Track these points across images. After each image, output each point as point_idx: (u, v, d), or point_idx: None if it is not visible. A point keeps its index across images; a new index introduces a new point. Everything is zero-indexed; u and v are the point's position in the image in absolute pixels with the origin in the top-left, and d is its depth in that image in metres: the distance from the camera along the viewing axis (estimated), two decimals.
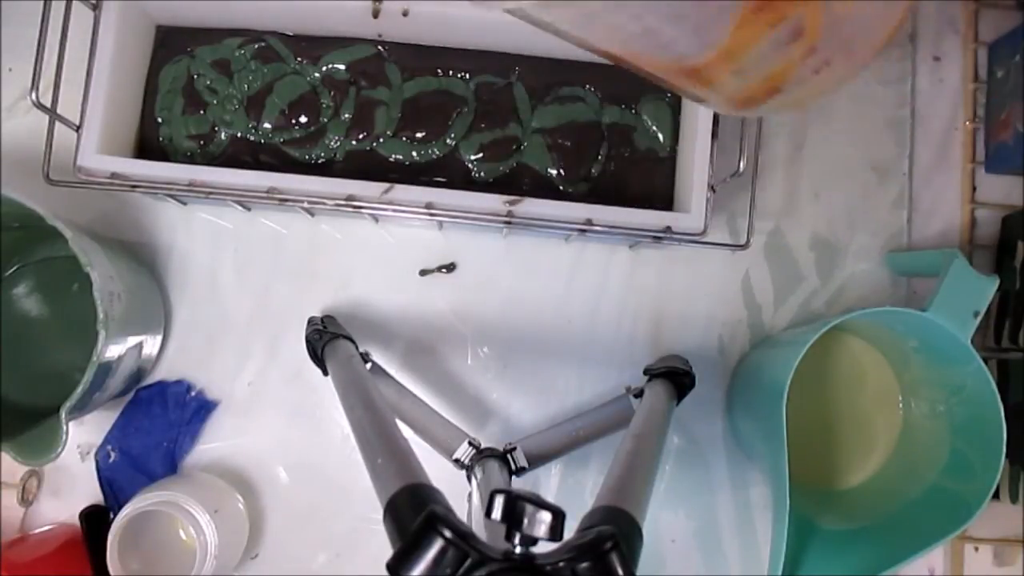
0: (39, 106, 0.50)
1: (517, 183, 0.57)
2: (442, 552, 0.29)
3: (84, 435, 0.60)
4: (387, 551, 0.30)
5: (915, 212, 0.63)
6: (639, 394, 0.55)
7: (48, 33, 0.50)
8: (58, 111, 0.52)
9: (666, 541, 0.60)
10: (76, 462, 0.60)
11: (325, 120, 0.58)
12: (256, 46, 0.58)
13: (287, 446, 0.60)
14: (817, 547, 0.53)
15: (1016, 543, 0.61)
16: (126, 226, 0.61)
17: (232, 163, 0.57)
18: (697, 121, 0.53)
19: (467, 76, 0.58)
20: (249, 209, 0.60)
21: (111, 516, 0.58)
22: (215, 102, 0.58)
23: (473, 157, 0.57)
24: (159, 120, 0.58)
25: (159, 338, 0.60)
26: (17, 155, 0.61)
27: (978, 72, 0.64)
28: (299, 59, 0.58)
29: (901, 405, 0.59)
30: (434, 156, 0.57)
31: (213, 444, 0.60)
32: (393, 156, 0.57)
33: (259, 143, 0.58)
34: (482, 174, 0.58)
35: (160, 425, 0.60)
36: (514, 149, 0.58)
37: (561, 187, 0.58)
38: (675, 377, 0.54)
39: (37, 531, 0.59)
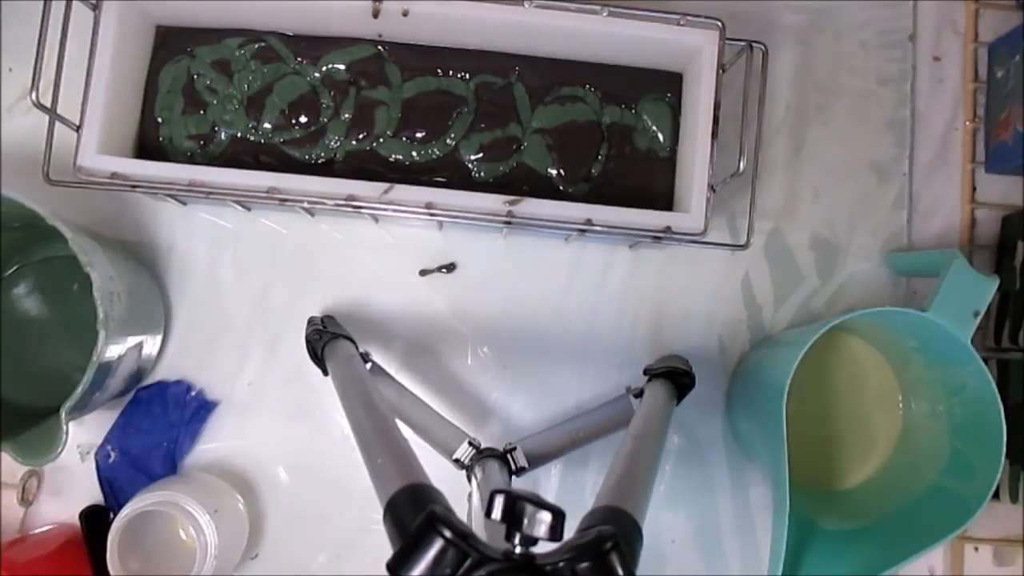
0: (39, 106, 0.50)
1: (517, 183, 0.57)
2: (442, 552, 0.29)
3: (84, 435, 0.60)
4: (387, 551, 0.30)
5: (915, 212, 0.63)
6: (639, 394, 0.55)
7: (48, 33, 0.50)
8: (58, 111, 0.51)
9: (666, 541, 0.60)
10: (76, 462, 0.60)
11: (325, 120, 0.58)
12: (256, 46, 0.58)
13: (287, 446, 0.60)
14: (817, 547, 0.53)
15: (1016, 543, 0.61)
16: (126, 226, 0.61)
17: (232, 163, 0.57)
18: (697, 121, 0.54)
19: (467, 76, 0.58)
20: (249, 209, 0.60)
21: (111, 516, 0.58)
22: (215, 102, 0.58)
23: (473, 157, 0.57)
24: (159, 120, 0.58)
25: (159, 338, 0.60)
26: (17, 155, 0.61)
27: (978, 72, 0.64)
28: (299, 59, 0.58)
29: (901, 405, 0.59)
30: (434, 156, 0.57)
31: (213, 444, 0.60)
32: (393, 156, 0.57)
33: (259, 143, 0.58)
34: (482, 174, 0.58)
35: (160, 425, 0.59)
36: (514, 149, 0.58)
37: (561, 187, 0.58)
38: (675, 377, 0.54)
39: (37, 531, 0.59)
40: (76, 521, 0.58)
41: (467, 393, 0.61)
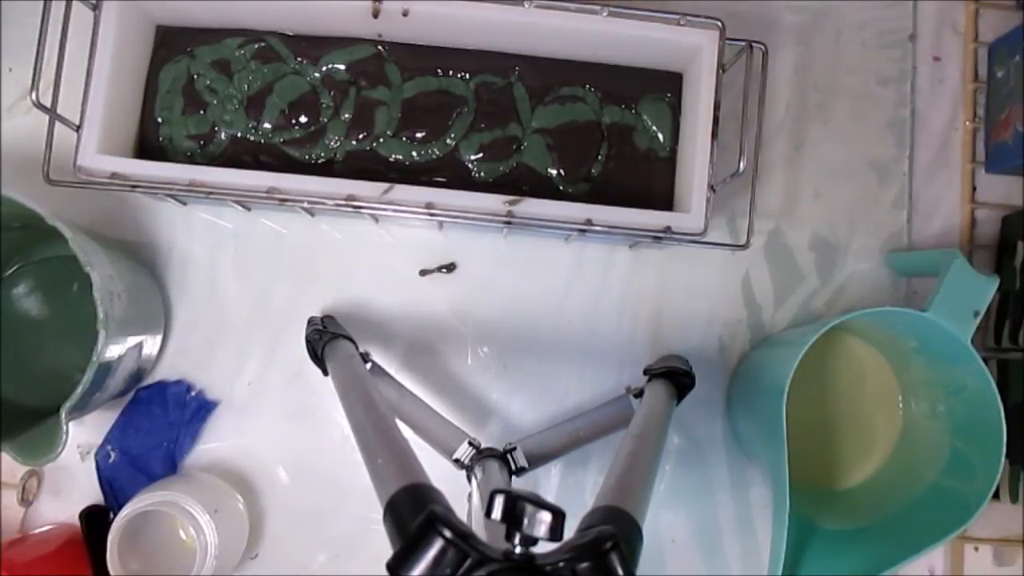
0: (39, 106, 0.50)
1: (517, 183, 0.57)
2: (442, 552, 0.29)
3: (84, 435, 0.60)
4: (387, 551, 0.30)
5: (915, 212, 0.63)
6: (639, 394, 0.55)
7: (48, 33, 0.50)
8: (58, 111, 0.52)
9: (666, 541, 0.60)
10: (76, 462, 0.60)
11: (325, 120, 0.58)
12: (256, 46, 0.58)
13: (287, 446, 0.60)
14: (817, 547, 0.53)
15: (1016, 543, 0.61)
16: (126, 226, 0.61)
17: (232, 163, 0.57)
18: (697, 121, 0.54)
19: (467, 76, 0.58)
20: (249, 209, 0.60)
21: (111, 516, 0.58)
22: (215, 102, 0.58)
23: (473, 157, 0.57)
24: (159, 120, 0.58)
25: (159, 338, 0.60)
26: (17, 155, 0.61)
27: (978, 72, 0.64)
28: (299, 59, 0.58)
29: (901, 405, 0.59)
30: (434, 156, 0.57)
31: (213, 444, 0.60)
32: (393, 156, 0.57)
33: (259, 143, 0.58)
34: (482, 174, 0.58)
35: (160, 425, 0.60)
36: (514, 149, 0.58)
37: (561, 187, 0.58)
38: (675, 377, 0.54)
39: (37, 531, 0.59)
40: (76, 521, 0.58)
41: (467, 393, 0.61)
